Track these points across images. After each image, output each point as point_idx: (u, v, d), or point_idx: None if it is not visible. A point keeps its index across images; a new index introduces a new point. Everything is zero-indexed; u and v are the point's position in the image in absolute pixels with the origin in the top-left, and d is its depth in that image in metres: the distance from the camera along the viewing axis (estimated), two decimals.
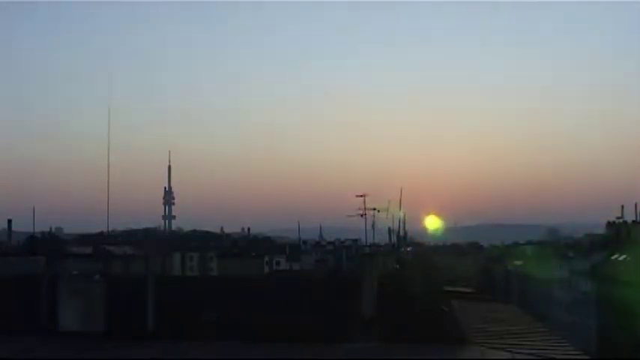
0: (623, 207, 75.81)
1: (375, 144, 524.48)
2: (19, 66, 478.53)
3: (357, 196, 25.58)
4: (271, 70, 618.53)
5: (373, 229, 29.14)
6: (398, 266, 27.90)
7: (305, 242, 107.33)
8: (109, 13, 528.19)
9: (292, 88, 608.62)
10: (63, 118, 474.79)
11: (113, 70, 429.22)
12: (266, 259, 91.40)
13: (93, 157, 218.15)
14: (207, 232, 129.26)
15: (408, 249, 43.72)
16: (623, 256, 61.43)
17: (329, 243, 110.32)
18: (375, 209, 26.85)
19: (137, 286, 18.80)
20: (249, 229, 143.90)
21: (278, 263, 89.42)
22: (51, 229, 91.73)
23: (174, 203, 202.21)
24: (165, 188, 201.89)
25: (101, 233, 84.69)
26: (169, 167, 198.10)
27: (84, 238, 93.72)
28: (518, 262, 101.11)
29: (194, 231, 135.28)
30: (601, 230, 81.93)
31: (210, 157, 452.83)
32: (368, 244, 36.22)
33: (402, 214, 32.03)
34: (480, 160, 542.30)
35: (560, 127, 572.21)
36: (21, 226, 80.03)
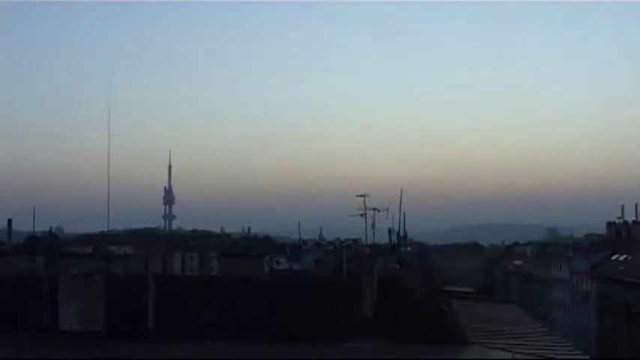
0: (623, 207, 75.68)
1: (376, 143, 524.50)
2: (19, 65, 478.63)
3: (358, 195, 25.65)
4: (272, 70, 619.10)
5: (373, 229, 29.17)
6: (398, 266, 27.95)
7: (305, 242, 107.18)
8: (110, 13, 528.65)
9: (293, 89, 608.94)
10: (63, 117, 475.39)
11: (113, 69, 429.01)
12: (266, 259, 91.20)
13: (93, 156, 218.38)
14: (208, 232, 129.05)
15: (408, 249, 43.75)
16: (623, 256, 61.40)
17: (329, 243, 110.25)
18: (375, 209, 26.88)
19: (137, 286, 18.80)
20: (249, 228, 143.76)
21: (278, 263, 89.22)
22: (51, 229, 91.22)
23: (174, 203, 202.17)
24: (165, 188, 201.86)
25: (101, 233, 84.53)
26: (169, 167, 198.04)
27: (84, 238, 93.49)
28: (518, 262, 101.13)
29: (194, 231, 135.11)
30: (601, 230, 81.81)
31: (210, 157, 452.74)
32: (368, 244, 36.21)
33: (402, 214, 32.02)
34: (479, 161, 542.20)
35: (560, 127, 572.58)
36: (21, 226, 79.78)
